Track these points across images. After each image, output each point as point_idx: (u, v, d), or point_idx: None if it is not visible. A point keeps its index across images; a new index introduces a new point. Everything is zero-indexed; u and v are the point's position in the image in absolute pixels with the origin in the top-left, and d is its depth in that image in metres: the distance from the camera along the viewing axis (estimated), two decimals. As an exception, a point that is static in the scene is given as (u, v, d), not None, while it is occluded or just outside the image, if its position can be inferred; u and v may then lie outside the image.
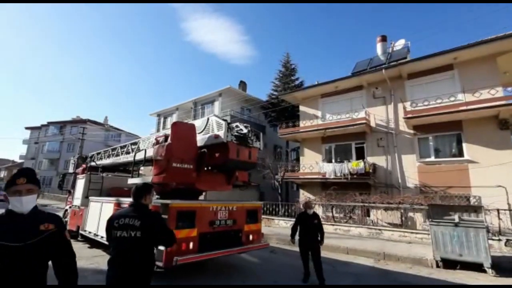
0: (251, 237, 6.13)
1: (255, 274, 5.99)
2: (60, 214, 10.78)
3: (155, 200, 5.51)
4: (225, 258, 7.05)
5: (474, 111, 11.07)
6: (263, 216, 13.91)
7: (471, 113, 11.22)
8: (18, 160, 55.38)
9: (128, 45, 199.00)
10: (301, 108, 17.63)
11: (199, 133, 6.14)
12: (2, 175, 61.82)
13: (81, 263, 6.27)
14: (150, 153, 6.29)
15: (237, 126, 6.01)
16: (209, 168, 6.29)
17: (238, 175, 6.59)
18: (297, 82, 23.94)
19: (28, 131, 49.01)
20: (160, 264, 4.56)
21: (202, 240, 5.13)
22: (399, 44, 18.34)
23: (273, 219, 13.72)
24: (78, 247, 7.97)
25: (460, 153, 11.93)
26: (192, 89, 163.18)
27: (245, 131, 5.93)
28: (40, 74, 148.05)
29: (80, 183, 9.07)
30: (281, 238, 9.99)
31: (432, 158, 12.60)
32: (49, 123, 44.09)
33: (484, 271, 6.20)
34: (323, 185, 14.78)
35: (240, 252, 6.15)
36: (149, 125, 65.21)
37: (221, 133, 5.60)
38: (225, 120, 5.71)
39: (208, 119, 6.15)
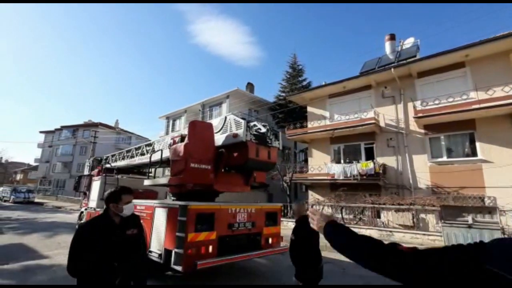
0: (270, 240, 5.88)
1: (262, 275, 6.01)
2: (75, 216, 11.05)
3: (173, 202, 5.48)
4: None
5: (487, 109, 10.78)
6: (272, 218, 13.94)
7: (484, 111, 10.93)
8: (33, 163, 57.07)
9: (137, 49, 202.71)
10: (309, 109, 17.55)
11: (216, 132, 5.95)
12: (17, 178, 63.87)
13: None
14: (167, 154, 6.16)
15: (255, 125, 5.75)
16: (226, 168, 6.07)
17: (256, 175, 6.34)
18: (304, 83, 23.89)
19: (43, 135, 50.46)
20: (178, 268, 4.42)
21: (221, 243, 4.98)
22: (408, 42, 18.04)
23: (281, 220, 13.65)
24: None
25: (474, 153, 11.63)
26: (200, 92, 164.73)
27: (263, 130, 5.70)
28: (53, 78, 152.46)
29: (96, 185, 9.10)
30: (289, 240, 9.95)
31: (444, 158, 12.33)
32: (62, 127, 45.32)
33: (500, 274, 6.03)
34: (332, 186, 14.66)
35: (260, 257, 5.92)
36: (158, 128, 66.15)
37: (240, 132, 5.38)
38: (244, 119, 5.51)
39: (225, 117, 5.93)
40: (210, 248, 4.76)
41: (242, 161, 5.45)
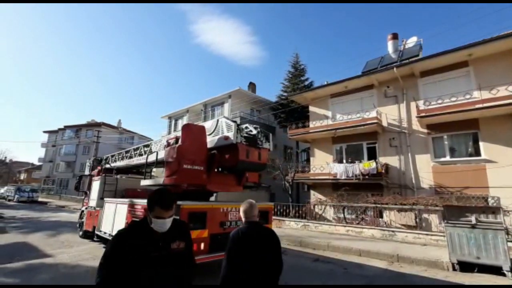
0: None
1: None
2: (77, 215, 11.17)
3: None
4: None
5: (490, 108, 10.69)
6: (273, 217, 13.93)
7: (488, 111, 10.84)
8: (37, 163, 57.48)
9: (139, 49, 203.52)
10: (311, 108, 17.52)
11: (209, 134, 6.14)
12: (21, 177, 64.40)
13: (98, 262, 6.47)
14: (162, 155, 6.36)
15: (246, 128, 5.99)
16: (220, 169, 6.27)
17: (248, 176, 6.58)
18: (306, 83, 23.79)
19: (46, 135, 50.81)
20: None
21: (213, 241, 5.18)
22: (411, 41, 17.94)
23: (283, 220, 13.69)
24: (94, 246, 8.23)
25: (477, 153, 11.54)
26: (202, 92, 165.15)
27: (254, 132, 5.92)
28: (53, 79, 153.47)
29: (96, 185, 9.28)
30: (292, 239, 9.97)
31: (447, 158, 12.25)
32: (66, 127, 45.61)
33: (503, 275, 5.99)
34: (334, 186, 14.62)
35: None
36: (161, 127, 66.25)
37: (231, 134, 5.60)
38: (234, 122, 5.73)
39: (218, 120, 6.16)
40: (202, 245, 5.01)
41: (233, 162, 5.68)
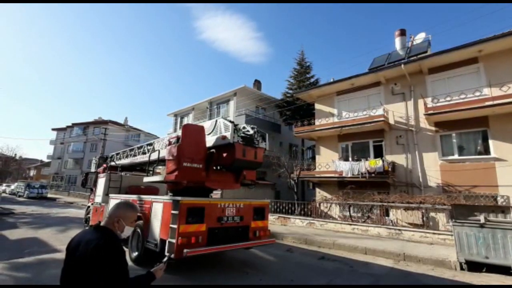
0: (258, 233, 6.46)
1: (271, 273, 6.03)
2: (84, 211, 11.40)
3: (167, 197, 5.97)
4: (242, 256, 7.17)
5: (501, 106, 10.48)
6: (279, 215, 13.97)
7: (498, 108, 10.63)
8: (45, 160, 58.49)
9: (145, 47, 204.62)
10: (317, 106, 17.41)
11: (208, 134, 6.40)
12: (31, 174, 65.68)
13: (105, 258, 6.57)
14: (164, 153, 6.63)
15: (244, 128, 6.25)
16: (218, 167, 6.56)
17: (246, 174, 6.84)
18: (312, 80, 23.64)
19: (55, 132, 51.58)
20: (171, 255, 4.94)
21: (211, 234, 5.46)
22: (419, 37, 17.65)
23: (289, 218, 13.69)
24: (102, 243, 8.38)
25: (486, 151, 11.34)
26: (208, 89, 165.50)
27: (251, 132, 6.17)
28: (64, 76, 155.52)
29: (101, 182, 9.58)
30: (297, 237, 9.97)
31: (456, 156, 12.07)
32: (74, 125, 46.24)
33: (513, 275, 5.90)
34: (339, 184, 14.55)
35: (247, 247, 6.47)
36: (167, 125, 66.74)
37: (228, 134, 5.85)
38: (232, 122, 6.00)
39: (216, 121, 6.43)
40: (200, 238, 5.27)
41: (230, 160, 5.93)
